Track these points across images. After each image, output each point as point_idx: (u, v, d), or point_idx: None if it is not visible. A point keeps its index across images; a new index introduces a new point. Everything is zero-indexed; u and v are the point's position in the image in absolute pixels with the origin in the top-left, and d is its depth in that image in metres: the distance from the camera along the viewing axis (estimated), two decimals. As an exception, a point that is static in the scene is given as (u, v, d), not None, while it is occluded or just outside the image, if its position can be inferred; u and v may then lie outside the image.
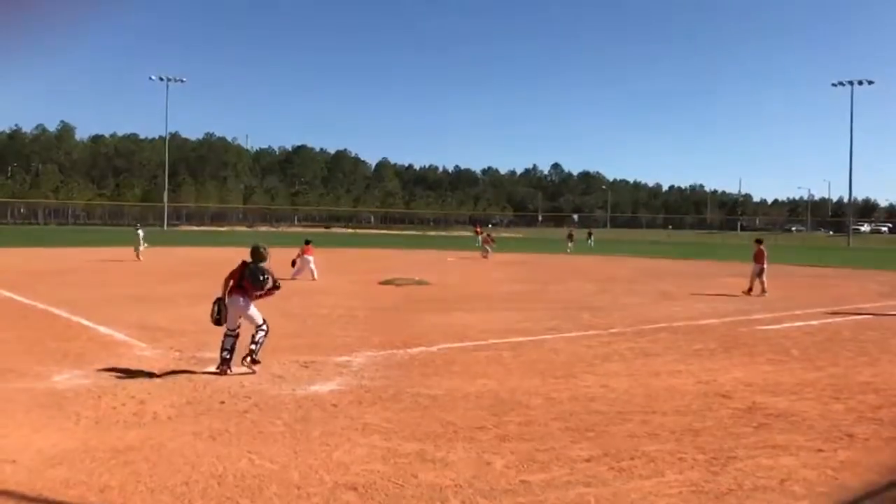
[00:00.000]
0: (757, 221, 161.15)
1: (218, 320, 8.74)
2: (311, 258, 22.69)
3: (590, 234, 62.78)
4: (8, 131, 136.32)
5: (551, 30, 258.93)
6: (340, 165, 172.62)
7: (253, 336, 8.73)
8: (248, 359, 8.68)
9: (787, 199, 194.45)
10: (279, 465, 5.43)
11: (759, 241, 20.66)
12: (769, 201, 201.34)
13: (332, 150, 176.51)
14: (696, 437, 6.34)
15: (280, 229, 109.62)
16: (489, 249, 37.74)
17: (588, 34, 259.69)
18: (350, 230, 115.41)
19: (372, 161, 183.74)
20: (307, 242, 23.29)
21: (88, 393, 7.52)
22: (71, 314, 13.36)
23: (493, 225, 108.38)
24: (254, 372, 8.56)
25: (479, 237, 37.53)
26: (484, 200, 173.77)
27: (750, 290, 19.56)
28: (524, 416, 6.91)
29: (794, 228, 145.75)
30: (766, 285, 19.58)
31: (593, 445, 6.03)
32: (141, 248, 31.62)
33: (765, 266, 19.72)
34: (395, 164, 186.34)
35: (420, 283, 21.53)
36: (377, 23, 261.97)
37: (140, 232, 31.99)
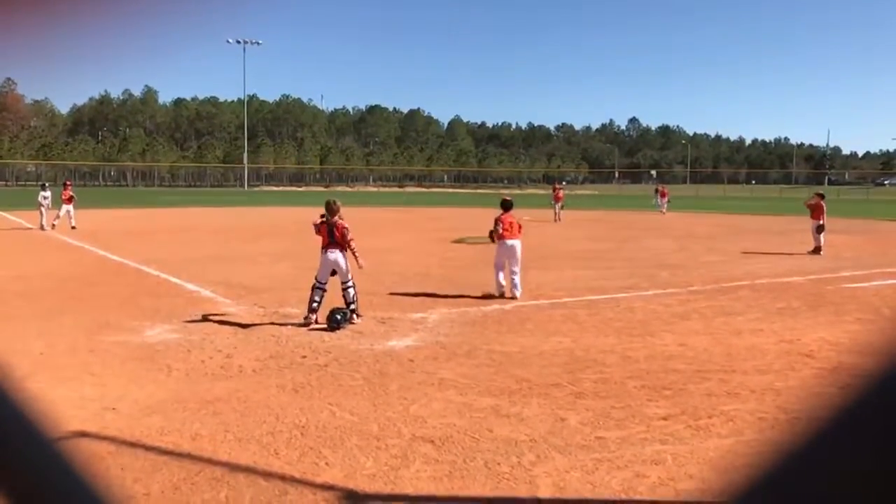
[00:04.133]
0: (846, 175, 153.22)
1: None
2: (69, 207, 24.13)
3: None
4: (98, 97, 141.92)
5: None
6: (413, 124, 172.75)
7: (345, 296, 9.24)
8: (354, 315, 9.16)
9: (880, 151, 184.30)
10: (359, 418, 5.60)
11: (819, 195, 19.32)
12: (860, 154, 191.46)
13: (404, 110, 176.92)
14: (777, 396, 6.20)
15: (356, 189, 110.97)
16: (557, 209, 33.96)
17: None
18: (424, 189, 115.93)
19: (444, 120, 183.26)
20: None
21: (178, 347, 7.92)
22: (160, 272, 13.97)
23: (566, 182, 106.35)
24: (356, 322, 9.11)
25: (553, 195, 35.43)
26: (558, 157, 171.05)
27: (817, 248, 18.29)
28: (599, 374, 6.89)
29: (887, 182, 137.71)
30: (821, 243, 18.28)
31: (670, 404, 5.97)
32: (45, 211, 24.22)
33: (822, 222, 18.54)
34: (467, 122, 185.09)
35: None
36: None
37: (46, 192, 24.80)
